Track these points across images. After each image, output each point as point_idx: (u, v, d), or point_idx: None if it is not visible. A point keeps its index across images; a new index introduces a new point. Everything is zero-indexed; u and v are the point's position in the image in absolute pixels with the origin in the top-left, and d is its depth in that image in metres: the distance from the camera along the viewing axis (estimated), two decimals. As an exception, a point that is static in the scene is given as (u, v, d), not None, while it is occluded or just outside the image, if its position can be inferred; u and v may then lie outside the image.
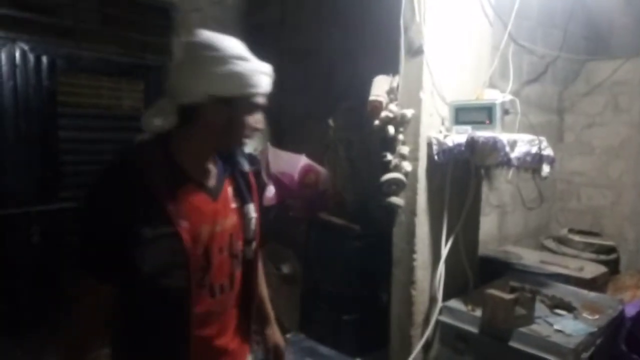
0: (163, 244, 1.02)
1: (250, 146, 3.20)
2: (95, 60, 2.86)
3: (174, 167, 1.08)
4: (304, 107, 3.39)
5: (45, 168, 2.70)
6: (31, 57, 2.58)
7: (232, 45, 1.06)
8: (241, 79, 1.04)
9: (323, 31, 3.21)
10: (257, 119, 1.14)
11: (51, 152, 2.70)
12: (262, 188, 3.11)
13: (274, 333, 1.48)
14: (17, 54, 2.53)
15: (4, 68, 2.50)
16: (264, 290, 1.46)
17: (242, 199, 1.22)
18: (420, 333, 2.28)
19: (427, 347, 2.30)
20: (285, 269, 3.34)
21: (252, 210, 1.23)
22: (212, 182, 1.15)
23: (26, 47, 2.56)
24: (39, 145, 2.65)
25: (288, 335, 2.37)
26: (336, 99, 3.06)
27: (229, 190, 1.20)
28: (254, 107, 1.11)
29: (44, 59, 2.63)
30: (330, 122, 3.01)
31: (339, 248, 2.86)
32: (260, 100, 1.12)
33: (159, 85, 3.17)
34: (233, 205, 1.19)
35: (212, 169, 1.17)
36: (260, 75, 1.08)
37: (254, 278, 1.29)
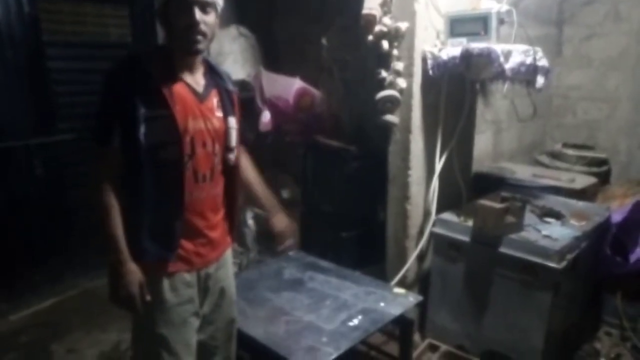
0: (160, 121, 1.27)
1: (242, 71, 3.16)
2: (76, -16, 2.74)
3: (170, 69, 1.33)
4: (297, 28, 3.29)
5: (38, 99, 2.68)
6: (8, -18, 2.47)
7: None
8: None
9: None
10: (192, 16, 1.26)
11: (42, 83, 2.67)
12: (256, 114, 3.14)
13: (279, 220, 1.74)
14: (-7, -20, 2.42)
15: (-18, -4, 2.41)
16: (260, 189, 1.71)
17: (225, 110, 1.44)
18: (414, 245, 2.40)
19: (421, 257, 2.43)
20: (285, 193, 3.42)
21: (233, 121, 1.46)
22: (200, 88, 1.39)
23: (2, -28, 2.44)
24: (28, 75, 2.61)
25: (290, 253, 2.48)
26: (330, 18, 2.96)
27: (215, 100, 1.43)
28: (185, 6, 1.26)
29: (22, -16, 2.52)
30: (324, 41, 2.93)
31: (337, 169, 2.91)
32: None
33: (145, 11, 3.05)
34: (218, 113, 1.42)
35: (202, 80, 1.41)
36: None
37: (236, 183, 1.54)
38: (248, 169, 1.68)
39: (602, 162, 3.38)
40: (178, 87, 1.32)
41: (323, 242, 2.99)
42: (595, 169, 3.29)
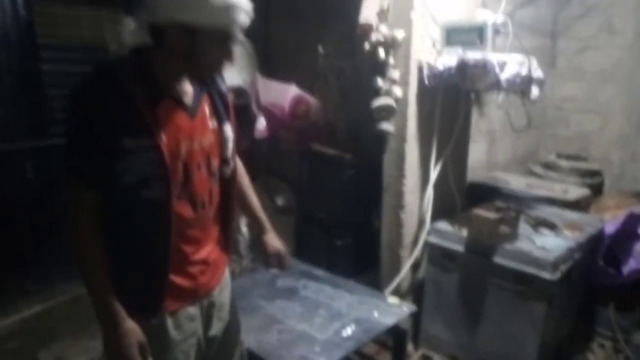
0: (143, 155, 1.05)
1: (238, 78, 3.16)
2: (72, -12, 2.74)
3: (152, 84, 1.10)
4: (293, 35, 3.30)
5: (32, 103, 2.67)
6: (4, -15, 2.47)
7: None
8: (209, 9, 1.01)
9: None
10: (229, 52, 1.13)
11: (36, 86, 2.66)
12: (252, 121, 3.13)
13: (272, 239, 1.58)
14: (-11, -17, 2.42)
15: (-23, -1, 2.40)
16: (254, 202, 1.55)
17: (219, 118, 1.25)
18: (409, 254, 2.39)
19: (415, 266, 2.42)
20: (280, 200, 3.42)
21: (228, 130, 1.27)
22: (189, 101, 1.17)
23: (-3, -24, 2.44)
24: (22, 79, 2.60)
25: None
26: (326, 25, 2.97)
27: (206, 109, 1.22)
28: (222, 40, 1.10)
29: (18, -12, 2.51)
30: (320, 49, 2.94)
31: (332, 177, 2.91)
32: (233, 33, 1.10)
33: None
34: (210, 125, 1.23)
35: (189, 88, 1.19)
36: (233, 8, 1.04)
37: (232, 196, 1.36)
38: (243, 178, 1.52)
39: (595, 173, 3.40)
40: (164, 106, 1.10)
41: (317, 249, 2.98)
42: (588, 180, 3.31)
